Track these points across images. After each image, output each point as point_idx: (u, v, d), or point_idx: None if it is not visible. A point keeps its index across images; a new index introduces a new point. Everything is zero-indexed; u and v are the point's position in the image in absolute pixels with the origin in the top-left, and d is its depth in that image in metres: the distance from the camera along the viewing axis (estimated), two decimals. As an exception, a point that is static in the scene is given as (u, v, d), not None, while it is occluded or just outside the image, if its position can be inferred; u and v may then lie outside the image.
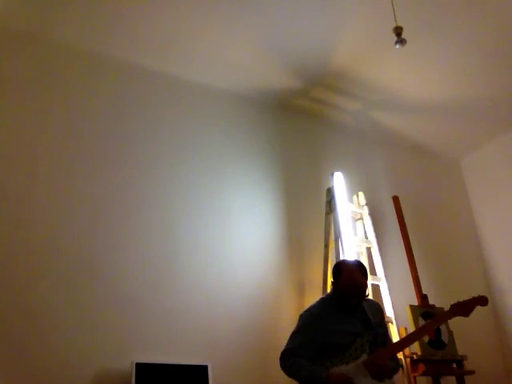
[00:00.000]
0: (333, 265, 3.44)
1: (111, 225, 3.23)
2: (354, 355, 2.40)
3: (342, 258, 3.51)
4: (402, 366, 3.34)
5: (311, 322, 2.49)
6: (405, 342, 2.66)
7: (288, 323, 3.49)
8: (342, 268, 2.59)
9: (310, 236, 3.89)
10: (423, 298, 3.56)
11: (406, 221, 3.87)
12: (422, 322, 3.40)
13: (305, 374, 2.38)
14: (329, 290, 3.50)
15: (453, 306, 2.61)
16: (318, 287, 3.63)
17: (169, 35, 3.52)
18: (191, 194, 3.58)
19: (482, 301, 2.59)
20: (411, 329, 3.36)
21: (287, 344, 2.50)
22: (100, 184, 3.29)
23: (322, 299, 2.67)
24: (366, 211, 3.97)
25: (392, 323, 3.55)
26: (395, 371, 2.52)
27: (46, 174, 3.16)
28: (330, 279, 3.59)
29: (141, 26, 3.43)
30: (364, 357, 2.39)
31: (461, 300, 2.61)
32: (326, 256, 3.70)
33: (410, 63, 3.83)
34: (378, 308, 2.65)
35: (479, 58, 3.81)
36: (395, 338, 3.36)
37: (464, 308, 2.58)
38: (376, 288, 3.71)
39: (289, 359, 2.44)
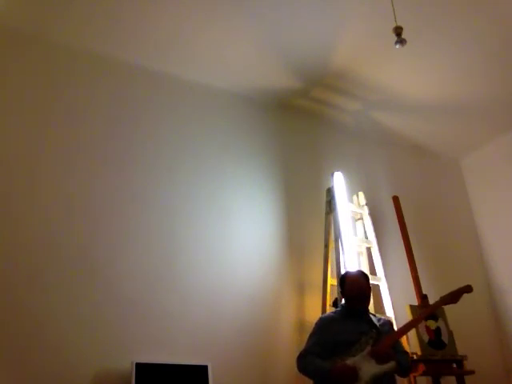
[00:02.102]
0: (333, 265, 3.53)
1: (111, 225, 3.23)
2: (360, 349, 2.62)
3: (342, 258, 3.53)
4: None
5: (323, 325, 2.82)
6: (402, 331, 2.91)
7: (288, 323, 3.51)
8: (346, 278, 2.96)
9: (310, 236, 3.89)
10: (423, 298, 3.55)
11: (406, 221, 3.87)
12: (422, 322, 3.40)
13: (313, 368, 2.66)
14: (329, 292, 3.58)
15: (442, 297, 2.97)
16: (318, 287, 3.63)
17: (169, 35, 3.52)
18: (191, 193, 3.58)
19: (467, 289, 2.95)
20: (411, 329, 3.38)
21: (304, 347, 2.79)
22: (100, 184, 3.29)
23: (335, 309, 3.05)
24: (366, 211, 3.97)
25: (392, 323, 3.54)
26: (406, 365, 2.71)
27: (46, 173, 3.16)
28: (330, 279, 3.60)
29: (141, 26, 3.43)
30: (368, 349, 2.62)
31: (449, 292, 2.96)
32: (325, 256, 3.69)
33: (410, 63, 3.83)
34: (386, 322, 2.90)
35: (479, 57, 3.81)
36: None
37: (452, 297, 2.93)
38: (376, 288, 3.71)
39: (302, 358, 2.73)
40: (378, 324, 2.76)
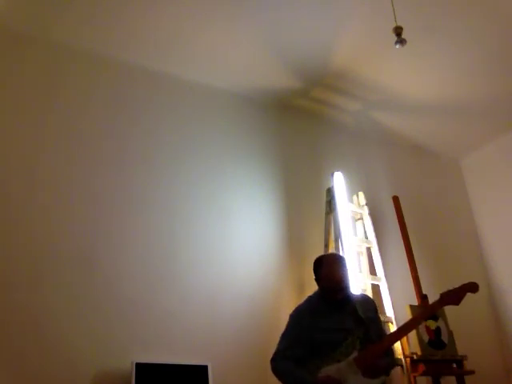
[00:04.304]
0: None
1: (111, 225, 3.23)
2: (345, 353, 2.33)
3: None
4: (402, 366, 3.34)
5: (299, 321, 2.46)
6: (396, 336, 2.57)
7: (288, 323, 3.51)
8: (321, 262, 2.56)
9: (310, 236, 3.89)
10: (423, 298, 3.56)
11: (406, 221, 3.87)
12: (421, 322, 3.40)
13: (292, 379, 2.34)
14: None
15: (443, 295, 2.54)
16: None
17: (169, 35, 3.52)
18: (191, 193, 3.58)
19: (472, 287, 2.52)
20: (411, 329, 3.38)
21: (277, 346, 2.47)
22: (100, 184, 3.29)
23: (309, 297, 2.61)
24: (366, 211, 3.97)
25: (392, 323, 3.55)
26: (391, 367, 2.46)
27: (46, 174, 3.16)
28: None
29: (141, 26, 3.43)
30: (355, 354, 2.33)
31: (451, 288, 2.55)
32: (325, 256, 3.69)
33: (410, 63, 3.83)
34: (370, 303, 2.59)
35: (479, 57, 3.81)
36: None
37: (454, 296, 2.51)
38: (376, 288, 3.71)
39: (278, 363, 2.41)
40: (362, 313, 2.42)
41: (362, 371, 2.28)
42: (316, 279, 2.57)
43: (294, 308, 2.63)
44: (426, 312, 2.80)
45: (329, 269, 2.49)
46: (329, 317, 2.42)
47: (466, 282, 2.60)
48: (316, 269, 2.56)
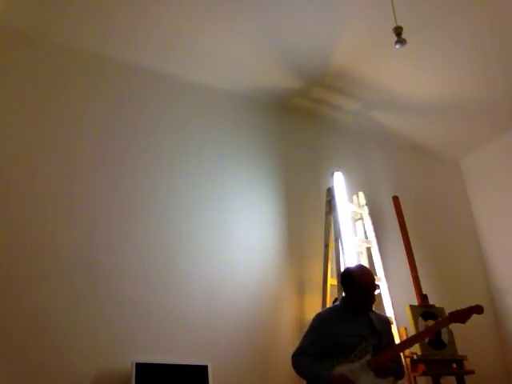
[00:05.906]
0: (333, 265, 3.48)
1: (111, 225, 3.23)
2: (359, 356, 2.55)
3: (342, 258, 3.52)
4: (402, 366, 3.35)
5: (321, 324, 2.71)
6: (405, 345, 2.85)
7: (288, 323, 3.52)
8: (352, 274, 2.77)
9: (310, 236, 3.89)
10: (423, 297, 3.56)
11: (406, 221, 3.87)
12: (421, 322, 3.41)
13: (311, 374, 2.59)
14: (329, 292, 3.56)
15: (451, 314, 2.79)
16: (318, 287, 3.63)
17: (169, 35, 3.52)
18: (191, 193, 3.58)
19: (477, 310, 2.75)
20: (411, 329, 3.39)
21: (299, 344, 2.71)
22: (100, 184, 3.29)
23: (333, 305, 2.92)
24: (365, 211, 3.97)
25: (392, 323, 3.54)
26: (400, 374, 2.67)
27: (46, 174, 3.16)
28: (330, 279, 3.60)
29: (141, 26, 3.44)
30: (367, 357, 2.55)
31: (459, 309, 2.77)
32: (325, 256, 3.70)
33: (411, 63, 3.83)
34: (385, 320, 2.83)
35: (479, 57, 3.81)
36: (395, 339, 3.36)
37: (461, 316, 2.76)
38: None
39: (298, 358, 2.65)
40: (377, 325, 2.68)
41: (373, 372, 2.52)
42: (348, 291, 2.76)
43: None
44: (434, 327, 3.16)
45: (364, 278, 2.72)
46: (347, 323, 2.66)
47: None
48: (348, 281, 2.76)
